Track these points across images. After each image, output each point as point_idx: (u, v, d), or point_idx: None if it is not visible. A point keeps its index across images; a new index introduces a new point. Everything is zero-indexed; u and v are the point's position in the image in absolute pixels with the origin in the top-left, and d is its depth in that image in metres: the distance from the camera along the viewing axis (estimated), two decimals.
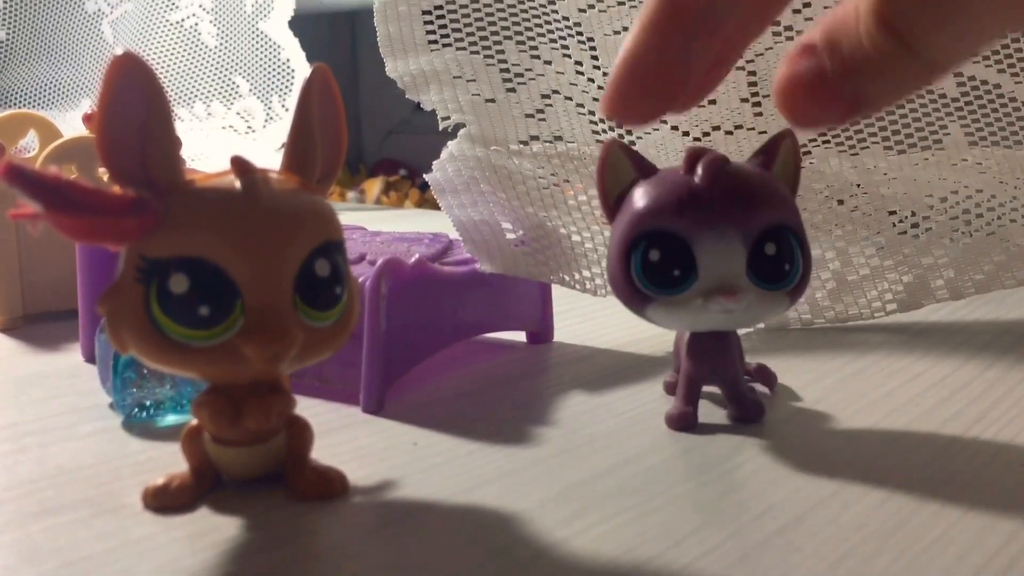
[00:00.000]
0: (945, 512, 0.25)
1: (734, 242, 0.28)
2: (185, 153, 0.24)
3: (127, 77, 0.22)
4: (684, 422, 0.31)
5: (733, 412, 0.32)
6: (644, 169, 0.30)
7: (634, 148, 0.30)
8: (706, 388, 0.33)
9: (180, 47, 0.94)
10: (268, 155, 0.84)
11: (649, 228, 0.29)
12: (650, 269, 0.29)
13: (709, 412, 0.33)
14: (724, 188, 0.28)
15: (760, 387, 0.35)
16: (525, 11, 0.44)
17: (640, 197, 0.29)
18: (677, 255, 0.28)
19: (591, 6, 0.44)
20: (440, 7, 0.42)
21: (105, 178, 0.24)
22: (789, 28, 0.44)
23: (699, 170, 0.28)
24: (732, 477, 0.28)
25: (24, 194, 0.21)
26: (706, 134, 0.45)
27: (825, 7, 0.42)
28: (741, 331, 0.32)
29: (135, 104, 0.23)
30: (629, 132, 0.44)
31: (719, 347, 0.31)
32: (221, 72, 0.93)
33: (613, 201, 0.30)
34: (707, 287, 0.28)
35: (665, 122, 0.44)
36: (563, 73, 0.44)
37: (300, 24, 0.92)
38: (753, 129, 0.45)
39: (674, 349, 0.35)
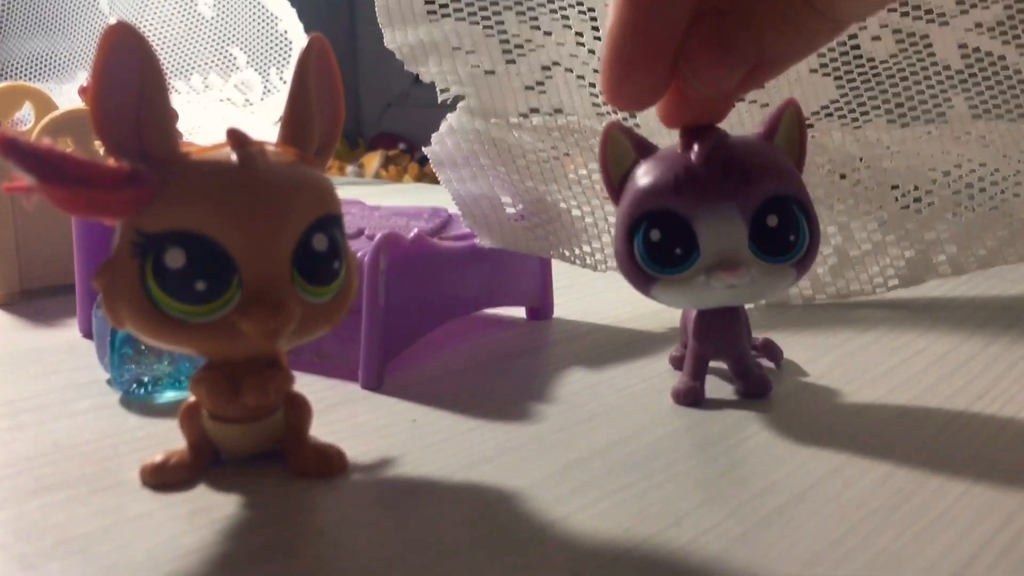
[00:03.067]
0: (947, 489, 0.25)
1: (733, 216, 0.28)
2: (182, 125, 0.24)
3: (121, 48, 0.22)
4: (691, 397, 0.31)
5: (740, 387, 0.32)
6: (644, 149, 0.29)
7: (634, 128, 0.30)
8: (713, 363, 0.32)
9: (177, 18, 0.93)
10: (266, 128, 0.84)
11: (649, 208, 0.28)
12: (652, 249, 0.28)
13: (715, 387, 0.33)
14: (720, 162, 0.28)
15: (766, 362, 0.35)
16: None
17: (639, 177, 0.29)
18: (678, 233, 0.28)
19: None
20: None
21: (101, 151, 0.24)
22: None
23: (695, 146, 0.28)
24: (733, 454, 0.27)
25: (18, 166, 0.21)
26: None
27: None
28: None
29: (130, 75, 0.22)
30: None
31: (727, 323, 0.31)
32: (218, 44, 0.92)
33: (617, 183, 0.30)
34: (709, 263, 0.28)
35: None
36: (563, 44, 0.43)
37: None
38: (755, 102, 0.44)
39: (681, 324, 0.34)
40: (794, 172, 0.29)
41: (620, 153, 0.30)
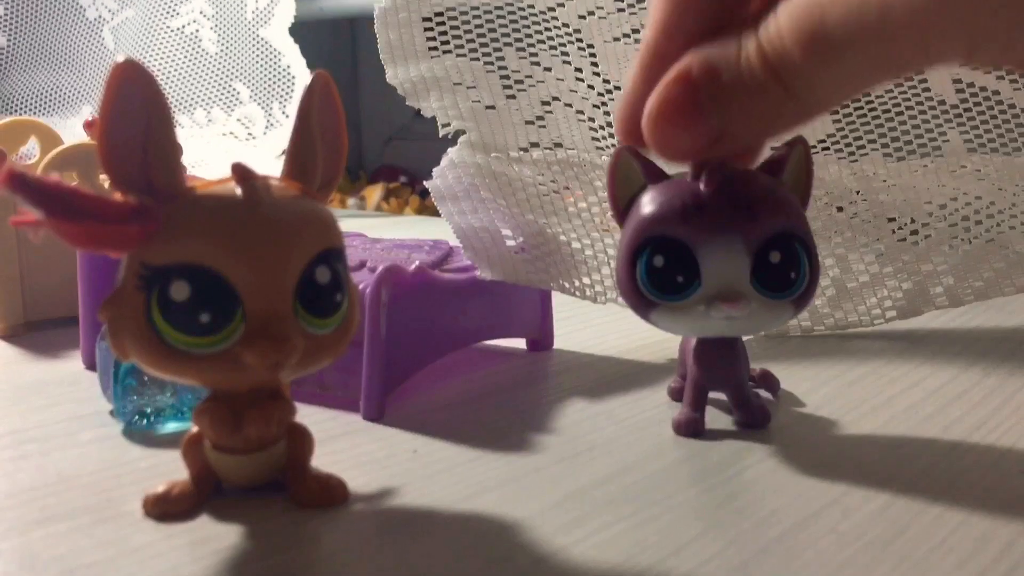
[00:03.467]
0: (945, 519, 0.25)
1: (738, 250, 0.28)
2: (185, 159, 0.24)
3: (129, 84, 0.22)
4: (691, 428, 0.31)
5: (739, 418, 0.32)
6: (653, 174, 0.30)
7: (640, 152, 0.30)
8: (712, 394, 0.33)
9: (181, 53, 0.94)
10: (269, 162, 0.84)
11: (654, 234, 0.28)
12: (654, 275, 0.29)
13: (714, 418, 0.33)
14: (729, 195, 0.28)
15: (764, 393, 0.35)
16: (525, 18, 0.44)
17: (647, 203, 0.29)
18: (681, 261, 0.28)
19: (591, 13, 0.44)
20: (440, 14, 0.43)
21: (106, 185, 0.24)
22: None
23: (704, 176, 0.28)
24: (732, 484, 0.27)
25: (26, 201, 0.21)
26: None
27: None
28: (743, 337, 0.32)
29: (137, 111, 0.23)
30: None
31: (726, 353, 0.31)
32: (222, 78, 0.93)
33: (623, 206, 0.30)
34: (709, 293, 0.28)
35: None
36: (563, 80, 0.44)
37: (300, 31, 0.92)
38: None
39: (679, 355, 0.35)
40: (799, 209, 0.30)
41: (628, 176, 0.30)
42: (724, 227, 0.28)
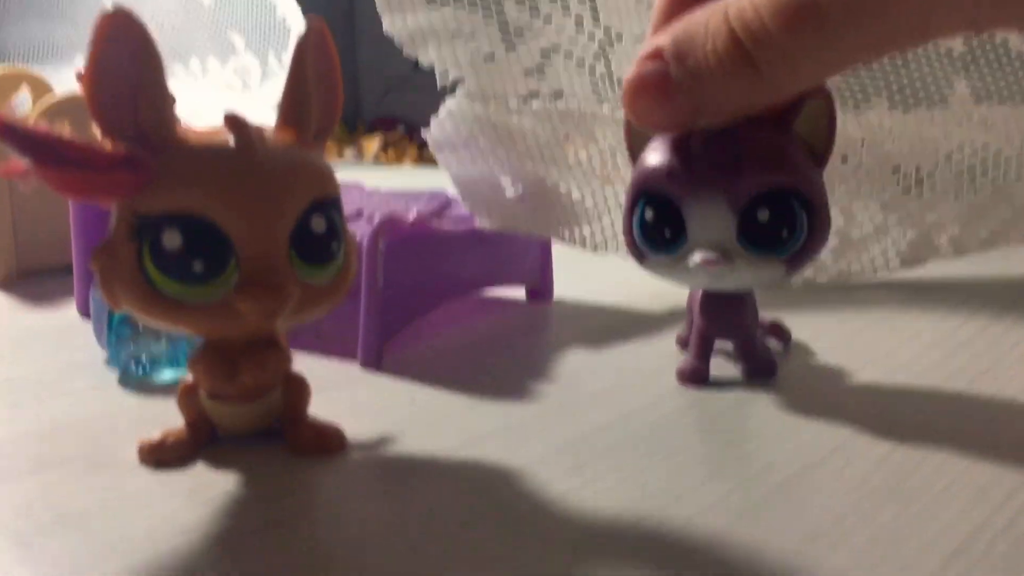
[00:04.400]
0: (948, 468, 0.25)
1: (721, 207, 0.27)
2: (180, 110, 0.24)
3: (117, 33, 0.22)
4: (696, 376, 0.31)
5: (744, 368, 0.32)
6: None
7: None
8: (720, 344, 0.32)
9: (175, 3, 0.93)
10: (265, 112, 0.83)
11: (646, 188, 0.28)
12: (646, 227, 0.28)
13: (718, 367, 0.32)
14: (715, 152, 0.27)
15: (774, 344, 0.35)
16: None
17: (646, 155, 0.29)
18: (668, 217, 0.28)
19: None
20: None
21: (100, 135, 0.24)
22: None
23: (694, 134, 0.28)
24: (735, 432, 0.27)
25: (15, 149, 0.21)
26: None
27: None
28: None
29: (126, 60, 0.22)
30: None
31: (733, 303, 0.31)
32: (216, 29, 0.92)
33: (637, 155, 0.30)
34: (691, 248, 0.28)
35: None
36: (563, 29, 0.43)
37: None
38: None
39: (687, 304, 0.34)
40: (801, 166, 0.28)
41: (641, 128, 0.29)
42: (707, 185, 0.27)
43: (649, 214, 0.28)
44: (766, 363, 0.32)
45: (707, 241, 0.28)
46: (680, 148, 0.28)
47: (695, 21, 0.25)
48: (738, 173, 0.27)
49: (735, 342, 0.32)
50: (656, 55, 0.25)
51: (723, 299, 0.31)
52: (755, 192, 0.27)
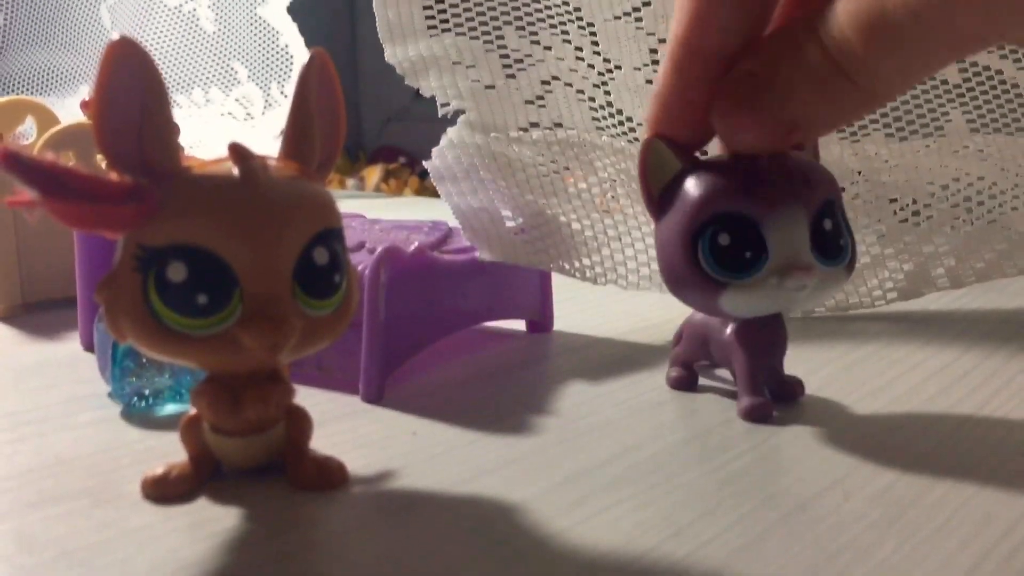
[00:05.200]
0: (947, 501, 0.25)
1: (800, 219, 0.28)
2: (183, 140, 0.24)
3: (124, 63, 0.22)
4: (761, 412, 0.31)
5: (775, 391, 0.32)
6: (690, 158, 0.29)
7: (673, 139, 0.29)
8: (707, 374, 0.32)
9: (178, 32, 0.94)
10: (267, 142, 0.84)
11: (716, 212, 0.28)
12: (721, 253, 0.28)
13: (713, 402, 0.33)
14: (784, 167, 0.28)
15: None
16: None
17: (699, 184, 0.28)
18: (747, 237, 0.28)
19: None
20: None
21: (103, 165, 0.24)
22: None
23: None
24: (732, 466, 0.27)
25: (21, 181, 0.21)
26: None
27: None
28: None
29: (132, 90, 0.22)
30: (629, 120, 0.44)
31: (772, 327, 0.31)
32: (219, 58, 0.93)
33: (658, 194, 0.29)
34: (779, 264, 0.28)
35: None
36: (563, 59, 0.43)
37: (299, 10, 0.91)
38: None
39: (683, 341, 0.34)
40: (834, 178, 0.30)
41: (662, 164, 0.29)
42: (787, 198, 0.28)
43: (724, 239, 0.28)
44: (794, 385, 0.32)
45: (789, 255, 0.28)
46: (743, 169, 0.28)
47: (782, 40, 0.26)
48: (809, 184, 0.28)
49: (770, 370, 0.32)
50: (750, 75, 0.26)
51: (768, 328, 0.31)
52: (821, 202, 0.28)
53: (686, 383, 0.34)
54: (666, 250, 0.29)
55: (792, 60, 0.25)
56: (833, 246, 0.29)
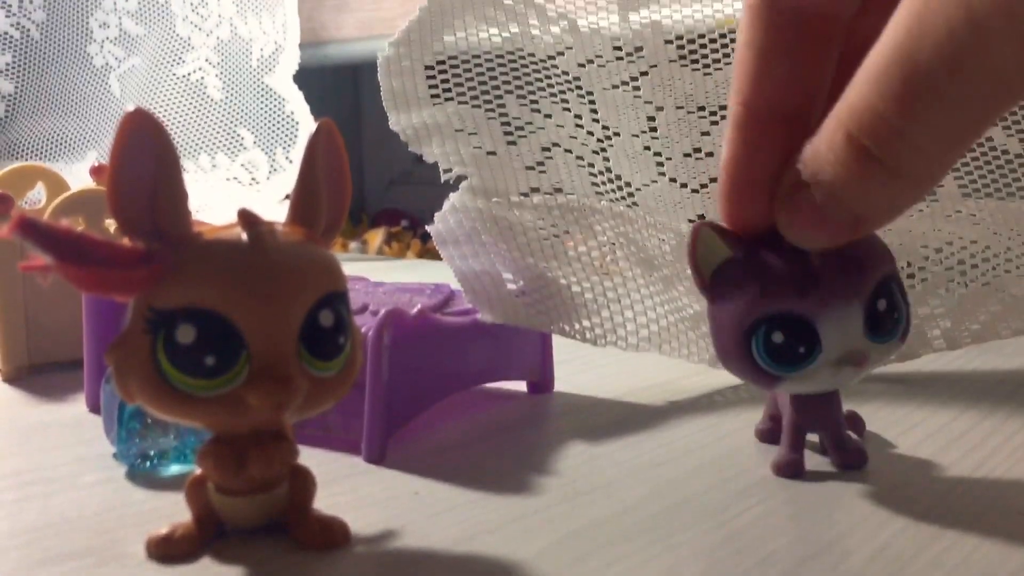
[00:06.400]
0: (944, 560, 0.25)
1: (855, 312, 0.28)
2: (190, 204, 0.25)
3: (139, 132, 0.23)
4: (793, 469, 0.31)
5: (835, 459, 0.32)
6: (740, 245, 0.29)
7: (721, 225, 0.29)
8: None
9: (186, 100, 0.95)
10: (271, 206, 0.85)
11: (769, 312, 0.28)
12: (775, 350, 0.28)
13: (708, 462, 0.33)
14: (837, 258, 0.28)
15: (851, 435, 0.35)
16: (526, 66, 0.44)
17: (750, 281, 0.28)
18: (801, 334, 0.28)
19: (590, 61, 0.45)
20: (443, 62, 0.43)
21: (112, 230, 0.24)
22: None
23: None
24: (731, 525, 0.28)
25: (36, 247, 0.22)
26: (704, 186, 0.45)
27: None
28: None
29: (146, 159, 0.23)
30: (628, 185, 0.45)
31: (827, 395, 0.31)
32: (226, 125, 0.94)
33: (708, 276, 0.30)
34: (834, 358, 0.28)
35: (663, 174, 0.45)
36: (563, 126, 0.44)
37: (305, 78, 0.93)
38: None
39: (769, 397, 0.34)
40: (885, 246, 0.30)
41: (711, 249, 0.29)
42: (841, 294, 0.28)
43: (778, 337, 0.28)
44: (857, 453, 0.32)
45: (844, 345, 0.28)
46: (795, 264, 0.28)
47: (819, 138, 0.25)
48: (862, 272, 0.28)
49: (825, 433, 0.32)
50: (799, 186, 0.26)
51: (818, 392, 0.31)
52: (875, 286, 0.28)
53: (767, 436, 0.34)
54: (720, 338, 0.30)
55: (825, 158, 0.24)
56: (888, 323, 0.29)
